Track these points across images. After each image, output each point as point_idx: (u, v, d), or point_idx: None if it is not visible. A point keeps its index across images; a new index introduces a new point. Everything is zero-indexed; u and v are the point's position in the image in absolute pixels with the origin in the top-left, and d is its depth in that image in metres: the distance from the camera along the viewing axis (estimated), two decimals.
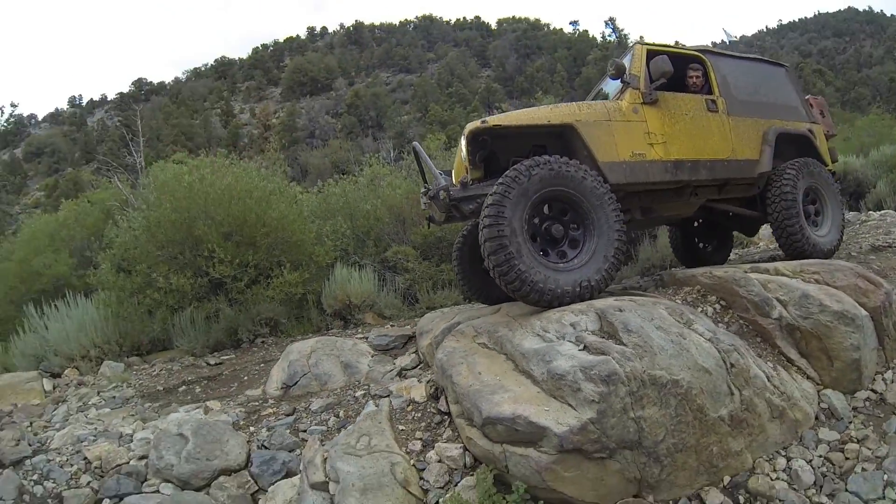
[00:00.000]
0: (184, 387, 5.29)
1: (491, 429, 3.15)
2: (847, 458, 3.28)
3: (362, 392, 4.50)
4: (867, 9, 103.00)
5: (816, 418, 3.54)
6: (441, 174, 4.81)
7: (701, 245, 6.82)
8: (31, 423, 4.51)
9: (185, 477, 3.73)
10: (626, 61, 4.95)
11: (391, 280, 7.63)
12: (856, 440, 3.39)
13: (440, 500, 3.17)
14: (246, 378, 5.43)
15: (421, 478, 3.32)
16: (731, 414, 3.23)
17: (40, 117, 78.39)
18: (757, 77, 5.67)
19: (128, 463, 3.89)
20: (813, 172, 5.39)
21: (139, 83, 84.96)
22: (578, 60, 65.18)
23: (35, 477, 3.76)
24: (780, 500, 3.03)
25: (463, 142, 4.40)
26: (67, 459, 3.94)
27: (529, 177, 3.83)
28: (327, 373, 4.97)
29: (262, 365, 5.70)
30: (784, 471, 3.22)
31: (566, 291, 3.80)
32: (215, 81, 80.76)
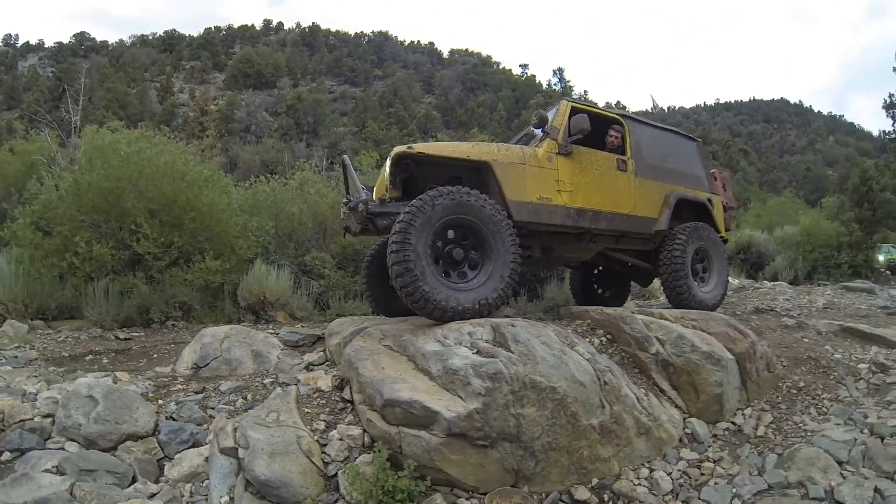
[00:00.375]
0: (90, 356, 5.60)
1: (390, 411, 3.82)
2: (703, 474, 4.10)
3: (270, 380, 4.96)
4: (798, 102, 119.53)
5: (680, 440, 4.40)
6: (363, 189, 5.49)
7: (599, 290, 7.90)
8: None
9: (93, 437, 4.01)
10: (550, 113, 5.85)
11: (306, 284, 8.25)
12: (712, 460, 4.23)
13: (339, 472, 3.78)
14: (156, 356, 5.82)
15: (323, 451, 3.88)
16: (602, 424, 4.05)
17: None
18: (669, 146, 6.71)
19: (32, 419, 4.12)
20: (703, 236, 6.40)
21: (81, 37, 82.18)
22: (521, 102, 69.48)
23: None
24: (640, 501, 3.81)
25: (388, 162, 5.17)
26: None
27: (433, 206, 4.56)
28: (238, 359, 5.45)
29: (172, 346, 6.10)
30: (646, 479, 4.02)
31: (466, 308, 4.57)
32: (160, 53, 79.86)
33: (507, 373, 3.88)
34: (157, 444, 4.15)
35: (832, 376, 5.36)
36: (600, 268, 7.72)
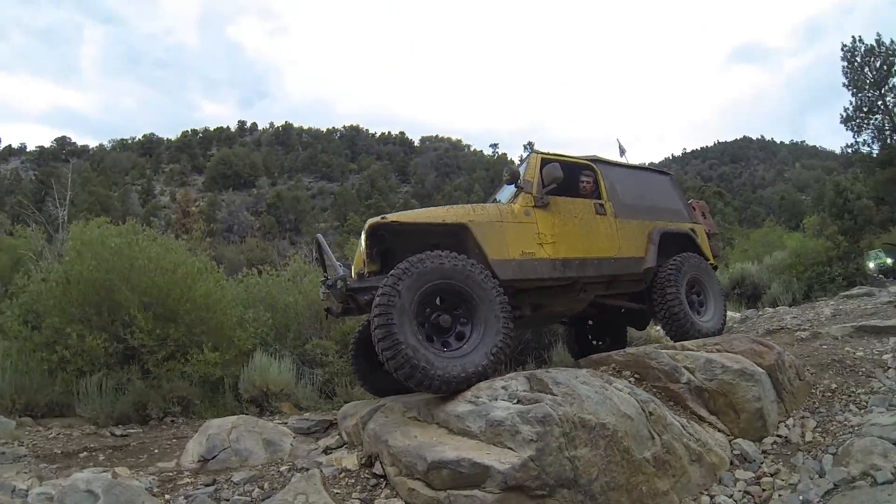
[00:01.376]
0: (85, 453, 4.91)
1: (435, 475, 3.30)
2: (764, 490, 3.68)
3: (287, 467, 4.37)
4: (759, 137, 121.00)
5: (731, 463, 3.96)
6: (340, 265, 4.98)
7: (595, 342, 7.28)
8: None
9: None
10: (521, 168, 5.53)
11: (309, 374, 7.66)
12: (769, 475, 3.82)
13: None
14: (156, 451, 5.13)
15: None
16: (655, 455, 3.59)
17: None
18: (643, 183, 6.41)
19: None
20: (693, 265, 6.01)
21: (62, 141, 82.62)
22: (496, 181, 70.27)
23: None
24: None
25: (363, 235, 4.76)
26: None
27: (416, 271, 4.12)
28: (248, 449, 4.78)
29: (173, 441, 5.40)
30: None
31: (455, 377, 3.96)
32: (140, 157, 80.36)
33: (555, 414, 3.42)
34: None
35: (860, 372, 5.11)
36: (592, 320, 7.19)
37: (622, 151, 6.94)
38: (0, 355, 6.03)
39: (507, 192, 5.86)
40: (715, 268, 6.64)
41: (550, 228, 5.20)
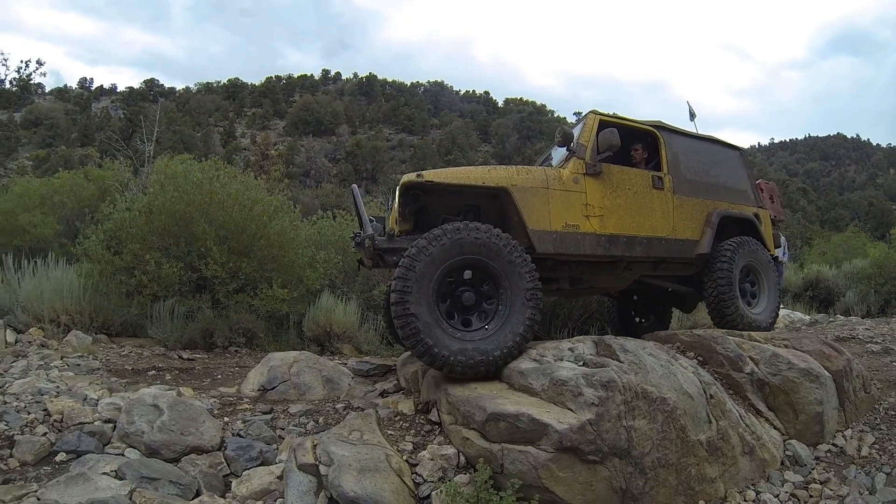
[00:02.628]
0: (153, 371, 5.08)
1: (493, 426, 3.23)
2: (811, 496, 3.48)
3: (343, 405, 4.40)
4: (855, 136, 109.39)
5: (782, 463, 3.75)
6: (373, 220, 4.71)
7: (637, 319, 6.75)
8: None
9: (156, 446, 3.55)
10: (576, 130, 4.94)
11: (373, 319, 7.63)
12: (819, 482, 3.61)
13: (433, 493, 3.15)
14: (220, 376, 5.26)
15: (414, 472, 3.30)
16: (709, 440, 3.42)
17: (48, 89, 77.23)
18: (709, 157, 5.65)
19: (92, 423, 3.72)
20: (751, 252, 5.40)
21: (150, 83, 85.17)
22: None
23: None
24: None
25: (397, 192, 4.39)
26: (25, 406, 3.76)
27: (437, 246, 3.76)
28: (307, 384, 4.84)
29: (236, 369, 5.55)
30: (754, 501, 3.40)
31: (478, 361, 3.68)
32: (224, 100, 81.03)
33: (619, 381, 3.28)
34: (223, 460, 3.62)
35: None
36: (637, 296, 6.62)
37: (692, 116, 6.17)
38: (83, 276, 6.27)
39: (558, 155, 5.24)
40: (775, 259, 6.02)
41: (600, 200, 4.67)
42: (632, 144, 5.39)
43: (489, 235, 3.89)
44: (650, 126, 5.31)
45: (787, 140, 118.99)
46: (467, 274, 3.99)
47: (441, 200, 4.51)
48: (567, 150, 4.81)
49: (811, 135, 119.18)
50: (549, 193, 4.45)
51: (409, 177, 4.28)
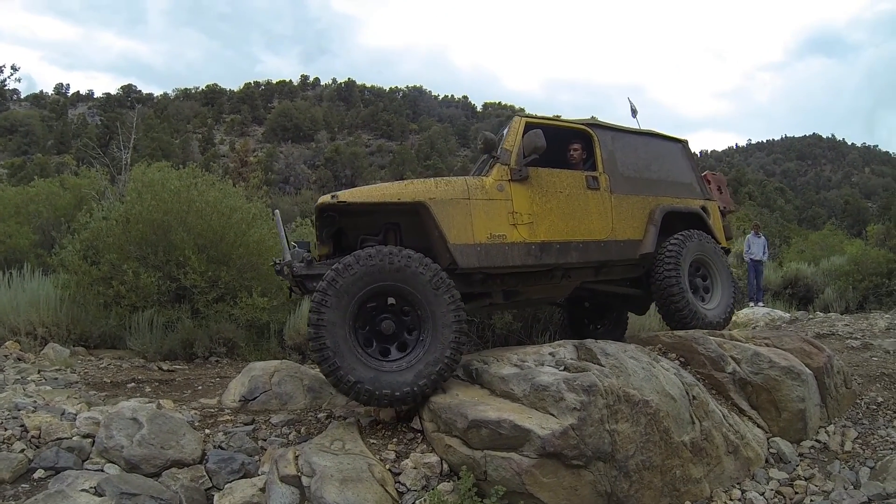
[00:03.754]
0: (133, 384, 5.00)
1: (475, 433, 3.22)
2: (797, 493, 3.51)
3: (325, 414, 4.34)
4: (830, 136, 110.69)
5: (766, 461, 3.78)
6: (294, 246, 4.43)
7: (591, 326, 6.37)
8: None
9: (136, 461, 3.49)
10: (504, 133, 4.73)
11: None
12: (804, 478, 3.65)
13: (417, 502, 3.13)
14: (200, 387, 5.18)
15: (396, 481, 3.26)
16: (693, 441, 3.44)
17: (23, 95, 76.16)
18: (649, 153, 5.42)
19: (70, 438, 3.65)
20: (699, 245, 5.17)
21: (127, 89, 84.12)
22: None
23: None
24: None
25: (314, 216, 4.23)
26: (2, 422, 3.67)
27: (351, 275, 3.61)
28: (289, 393, 4.73)
29: (217, 379, 5.47)
30: (739, 500, 3.43)
31: (403, 394, 3.58)
32: (202, 106, 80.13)
33: (601, 385, 3.30)
34: (204, 473, 3.55)
35: None
36: (588, 302, 6.28)
37: (634, 112, 5.97)
38: (60, 287, 6.16)
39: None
40: (727, 252, 5.81)
41: (528, 206, 4.41)
42: (570, 144, 5.18)
43: (402, 260, 3.70)
44: (582, 125, 5.08)
45: (765, 141, 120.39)
46: (392, 299, 3.82)
47: (359, 221, 4.33)
48: (490, 156, 4.62)
49: (787, 135, 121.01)
50: (472, 204, 4.21)
51: (324, 199, 4.10)
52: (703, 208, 5.53)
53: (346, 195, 4.05)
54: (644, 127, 5.72)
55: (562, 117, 5.37)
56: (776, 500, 3.48)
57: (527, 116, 4.82)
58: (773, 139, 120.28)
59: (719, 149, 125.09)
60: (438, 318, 3.72)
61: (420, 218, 4.16)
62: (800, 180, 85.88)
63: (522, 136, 4.47)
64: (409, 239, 4.29)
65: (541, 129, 4.51)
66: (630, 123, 5.67)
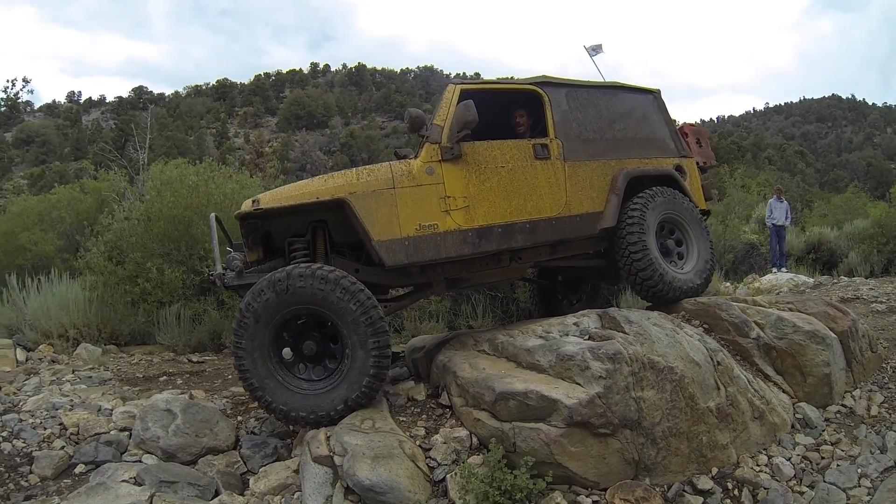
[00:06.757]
0: (164, 377, 5.14)
1: (503, 405, 3.26)
2: (823, 458, 3.50)
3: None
4: (850, 96, 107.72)
5: (792, 426, 3.76)
6: (230, 250, 4.28)
7: (564, 301, 5.91)
8: (0, 387, 4.34)
9: (172, 450, 3.64)
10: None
11: None
12: (830, 443, 3.63)
13: (447, 475, 3.18)
14: (230, 377, 5.28)
15: (427, 456, 3.33)
16: (718, 407, 3.43)
17: (36, 106, 77.59)
18: (612, 109, 4.77)
19: (108, 433, 3.79)
20: (668, 203, 4.59)
21: (139, 91, 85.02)
22: None
23: (4, 434, 3.67)
24: (764, 488, 3.20)
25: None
26: (41, 422, 3.83)
27: (264, 300, 3.47)
28: None
29: None
30: (766, 465, 3.41)
31: (320, 416, 3.53)
32: (214, 101, 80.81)
33: (626, 353, 3.31)
34: (239, 458, 3.70)
35: None
36: (560, 276, 5.80)
37: (595, 51, 5.25)
38: (87, 289, 6.32)
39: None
40: (706, 213, 5.21)
41: (463, 188, 3.97)
42: (515, 111, 4.71)
43: (314, 281, 3.47)
44: (530, 85, 4.47)
45: (783, 104, 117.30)
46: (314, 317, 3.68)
47: (283, 222, 4.04)
48: (420, 135, 4.15)
49: (806, 97, 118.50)
50: (397, 193, 3.85)
51: (246, 205, 3.91)
52: (679, 167, 4.93)
53: (265, 199, 3.87)
54: (614, 80, 5.09)
55: (515, 78, 4.78)
56: (803, 465, 3.46)
57: (462, 82, 4.30)
58: (792, 101, 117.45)
59: (736, 113, 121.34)
60: (356, 340, 3.52)
61: (345, 213, 3.87)
62: (820, 143, 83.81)
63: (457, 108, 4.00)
64: (338, 235, 4.07)
65: (481, 94, 4.18)
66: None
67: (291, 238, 4.04)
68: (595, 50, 5.34)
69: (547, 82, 4.49)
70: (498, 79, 4.58)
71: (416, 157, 4.06)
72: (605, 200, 4.44)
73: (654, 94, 5.12)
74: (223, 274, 3.97)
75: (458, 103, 3.99)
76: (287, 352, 3.75)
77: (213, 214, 4.25)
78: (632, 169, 4.58)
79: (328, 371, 3.68)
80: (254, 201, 3.87)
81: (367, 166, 4.01)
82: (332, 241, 4.09)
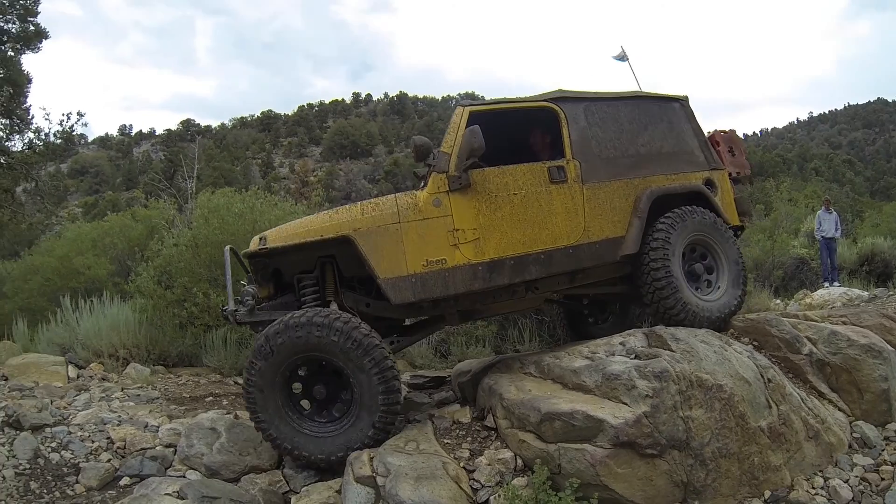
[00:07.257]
0: (210, 398, 5.24)
1: (548, 426, 3.22)
2: (883, 479, 3.35)
3: (400, 417, 4.25)
4: None
5: (850, 446, 3.61)
6: (244, 284, 4.24)
7: (592, 320, 5.59)
8: (51, 401, 4.49)
9: (216, 467, 3.72)
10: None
11: None
12: (890, 464, 3.46)
13: (491, 497, 3.15)
14: None
15: (471, 478, 3.30)
16: (770, 426, 3.33)
17: (90, 139, 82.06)
18: (635, 122, 4.45)
19: (153, 448, 3.92)
20: (697, 223, 4.22)
21: (186, 123, 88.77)
22: None
23: (53, 445, 3.80)
24: None
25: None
26: (89, 435, 3.98)
27: (278, 343, 3.44)
28: None
29: None
30: (822, 488, 3.29)
31: (319, 460, 3.56)
32: (259, 133, 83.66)
33: (673, 371, 3.24)
34: (282, 478, 3.74)
35: None
36: (587, 298, 5.44)
37: (622, 58, 5.01)
38: (137, 311, 6.57)
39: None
40: (740, 230, 4.78)
41: (473, 219, 3.78)
42: (531, 130, 4.54)
43: (321, 332, 3.41)
44: (545, 101, 4.20)
45: (827, 112, 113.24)
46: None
47: (291, 259, 3.98)
48: (426, 164, 3.99)
49: (850, 103, 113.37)
50: (403, 228, 3.70)
51: (253, 243, 3.91)
52: (708, 181, 4.53)
53: (271, 238, 3.84)
54: (643, 90, 4.79)
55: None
56: (861, 487, 3.31)
57: (472, 104, 4.08)
58: (836, 108, 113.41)
59: (780, 125, 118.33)
60: (363, 384, 3.47)
61: (353, 251, 3.77)
62: (868, 150, 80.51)
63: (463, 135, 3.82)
64: (347, 269, 3.97)
65: (494, 116, 4.06)
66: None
67: (300, 275, 4.00)
68: (621, 57, 5.14)
69: (563, 97, 4.23)
70: (511, 98, 4.34)
71: (423, 187, 3.92)
72: (627, 224, 4.14)
73: (682, 102, 4.77)
74: (236, 310, 3.91)
75: (466, 127, 3.81)
76: (297, 388, 3.72)
77: (227, 247, 4.23)
78: (656, 188, 4.25)
79: (335, 416, 3.67)
80: (261, 239, 3.86)
81: (372, 200, 3.92)
82: (342, 275, 4.02)
